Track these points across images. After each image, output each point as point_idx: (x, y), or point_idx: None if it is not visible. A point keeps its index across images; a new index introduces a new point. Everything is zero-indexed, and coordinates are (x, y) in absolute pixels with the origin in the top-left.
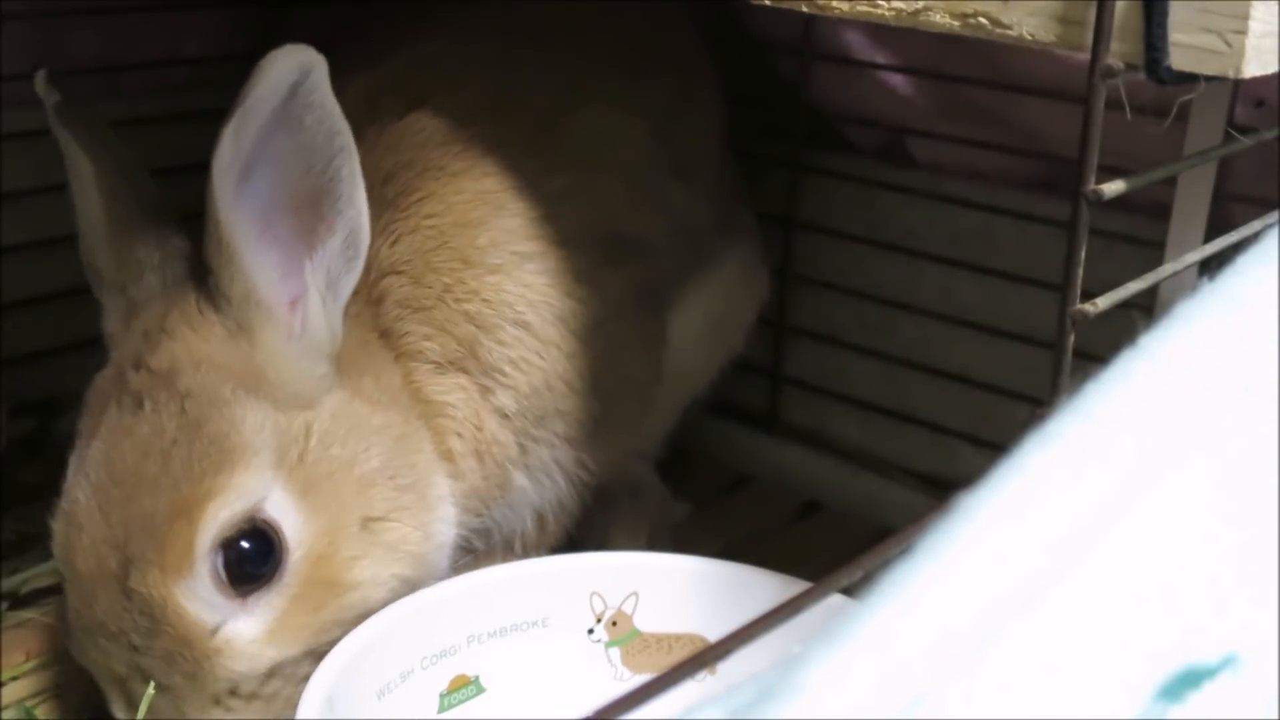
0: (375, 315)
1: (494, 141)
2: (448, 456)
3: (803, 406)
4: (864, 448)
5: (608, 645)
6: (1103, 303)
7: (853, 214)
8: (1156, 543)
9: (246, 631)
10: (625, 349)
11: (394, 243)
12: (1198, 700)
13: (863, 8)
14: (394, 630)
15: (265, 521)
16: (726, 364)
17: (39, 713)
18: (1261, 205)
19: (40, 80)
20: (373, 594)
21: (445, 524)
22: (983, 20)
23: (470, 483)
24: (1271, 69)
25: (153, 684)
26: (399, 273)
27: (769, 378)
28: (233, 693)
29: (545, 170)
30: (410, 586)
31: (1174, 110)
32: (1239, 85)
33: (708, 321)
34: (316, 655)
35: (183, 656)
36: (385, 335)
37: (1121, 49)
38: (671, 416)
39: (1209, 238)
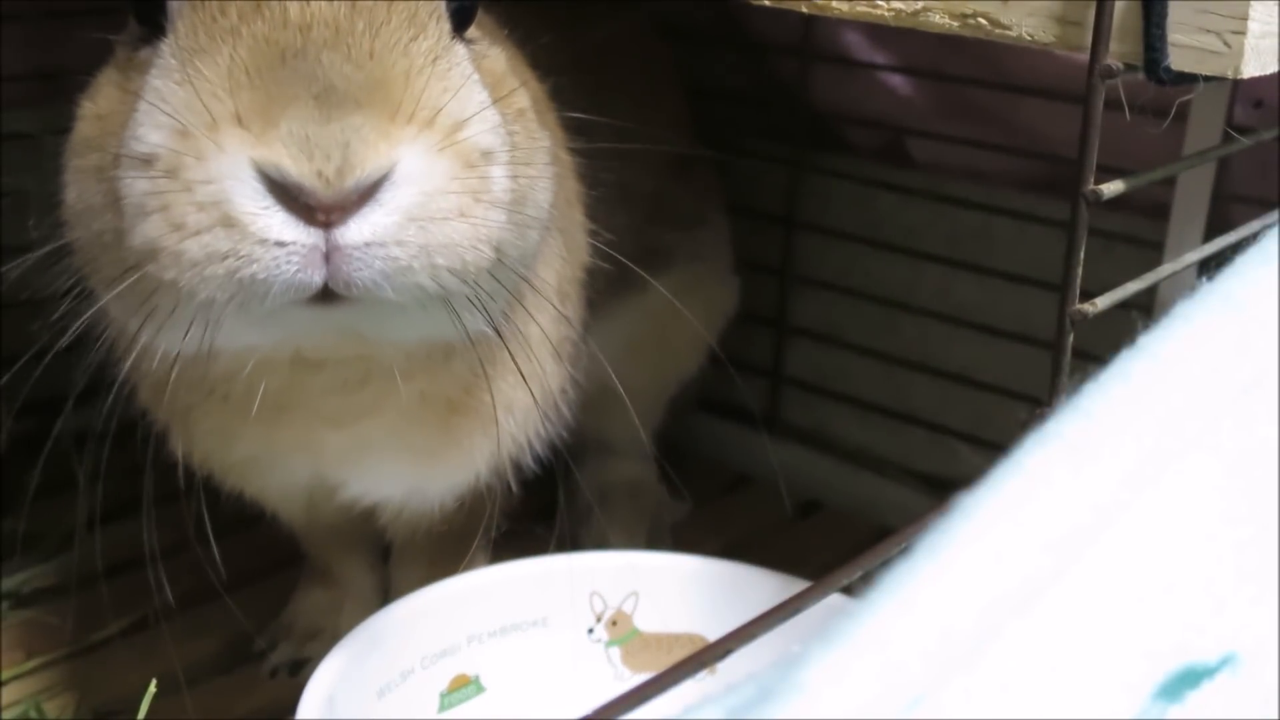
0: None
1: None
2: None
3: (803, 406)
4: (864, 448)
5: (608, 645)
6: (1102, 303)
7: (853, 214)
8: (1155, 542)
9: None
10: None
11: None
12: (1196, 700)
13: (862, 8)
14: (394, 630)
15: None
16: (687, 370)
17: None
18: (1260, 205)
19: None
20: None
21: None
22: (982, 20)
23: None
24: (1270, 69)
25: (153, 683)
26: None
27: (769, 378)
28: None
29: None
30: None
31: (1173, 110)
32: (1238, 85)
33: (644, 335)
34: None
35: None
36: None
37: (1121, 49)
38: (642, 416)
39: (1208, 238)
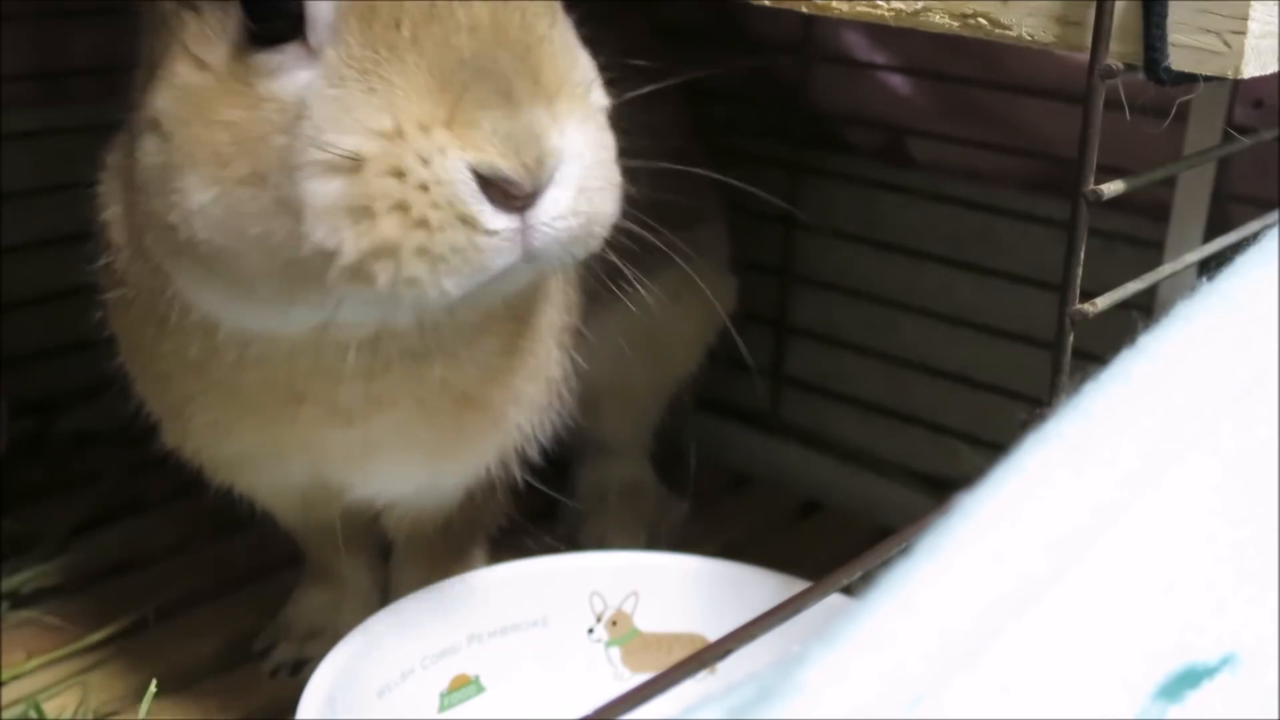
0: None
1: None
2: None
3: (803, 406)
4: (864, 448)
5: (608, 645)
6: (1102, 303)
7: (853, 214)
8: (1155, 542)
9: None
10: None
11: None
12: (1196, 699)
13: (862, 8)
14: (394, 630)
15: None
16: (685, 369)
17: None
18: (1260, 205)
19: None
20: None
21: None
22: (982, 20)
23: None
24: (1270, 69)
25: (153, 684)
26: None
27: (769, 378)
28: None
29: None
30: None
31: (1173, 110)
32: (1238, 85)
33: (643, 333)
34: None
35: None
36: None
37: (1121, 49)
38: (640, 415)
39: (1208, 238)
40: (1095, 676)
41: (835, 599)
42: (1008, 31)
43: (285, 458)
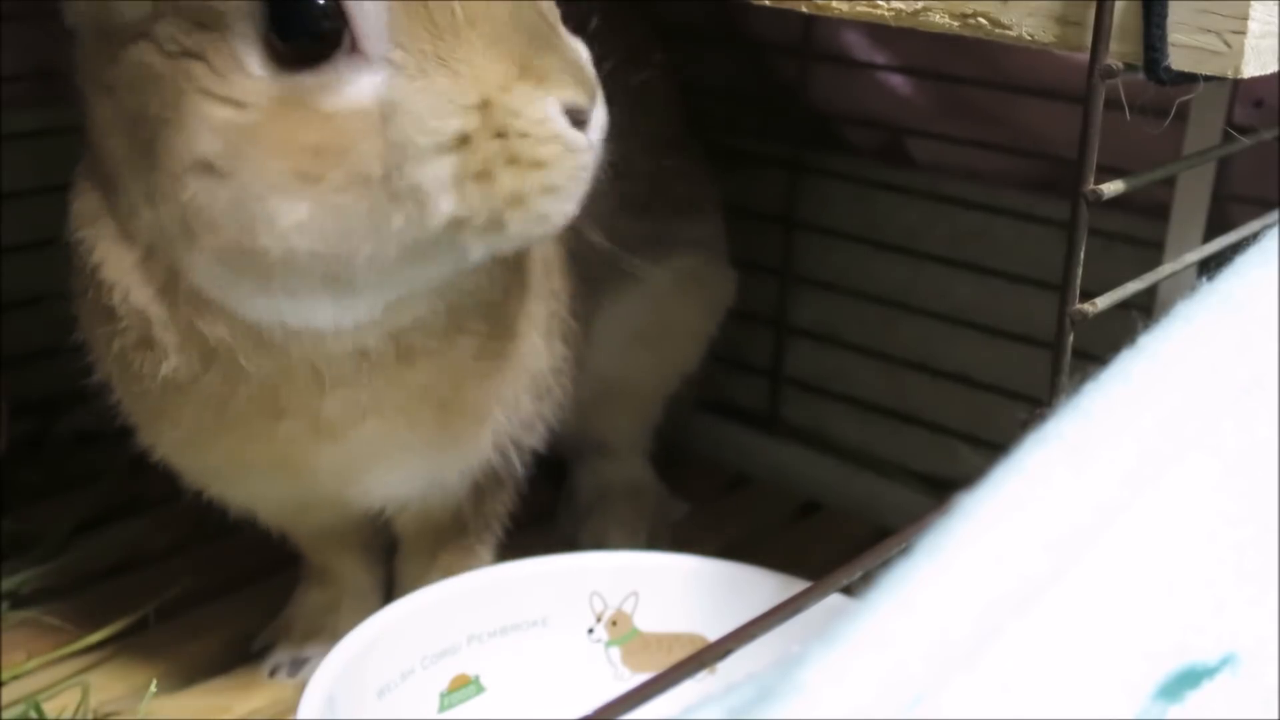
0: None
1: None
2: None
3: (803, 406)
4: (864, 448)
5: (608, 645)
6: (1102, 303)
7: (853, 214)
8: (1155, 542)
9: None
10: None
11: None
12: (1196, 700)
13: (862, 8)
14: (394, 630)
15: None
16: (688, 363)
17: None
18: (1260, 205)
19: None
20: None
21: None
22: (982, 20)
23: None
24: (1270, 69)
25: (153, 684)
26: None
27: (769, 378)
28: None
29: None
30: None
31: (1173, 110)
32: (1238, 85)
33: (646, 325)
34: None
35: None
36: None
37: (1121, 49)
38: (641, 413)
39: (1208, 238)
40: (1095, 676)
41: (835, 599)
42: (1008, 31)
43: (257, 471)
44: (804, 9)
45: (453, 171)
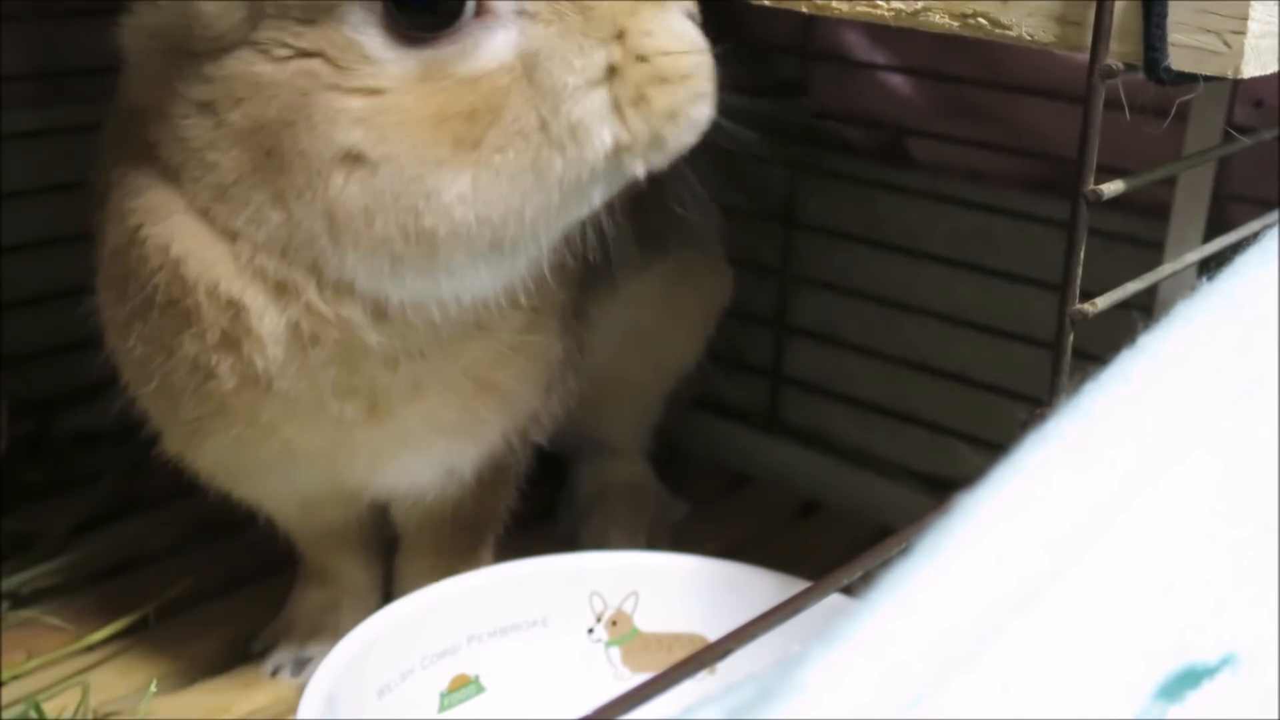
0: None
1: None
2: None
3: (803, 406)
4: (864, 448)
5: (608, 645)
6: (1102, 303)
7: (853, 214)
8: (1155, 542)
9: None
10: None
11: None
12: (1196, 700)
13: (862, 8)
14: (394, 630)
15: None
16: (686, 362)
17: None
18: (1260, 205)
19: None
20: None
21: None
22: (982, 20)
23: None
24: (1270, 69)
25: (153, 684)
26: None
27: (769, 378)
28: None
29: None
30: None
31: (1173, 110)
32: (1238, 85)
33: (644, 324)
34: None
35: None
36: None
37: (1121, 49)
38: (640, 412)
39: (1208, 238)
40: (1095, 676)
41: (835, 599)
42: (1008, 31)
43: (305, 463)
44: (804, 9)
45: (608, 102)
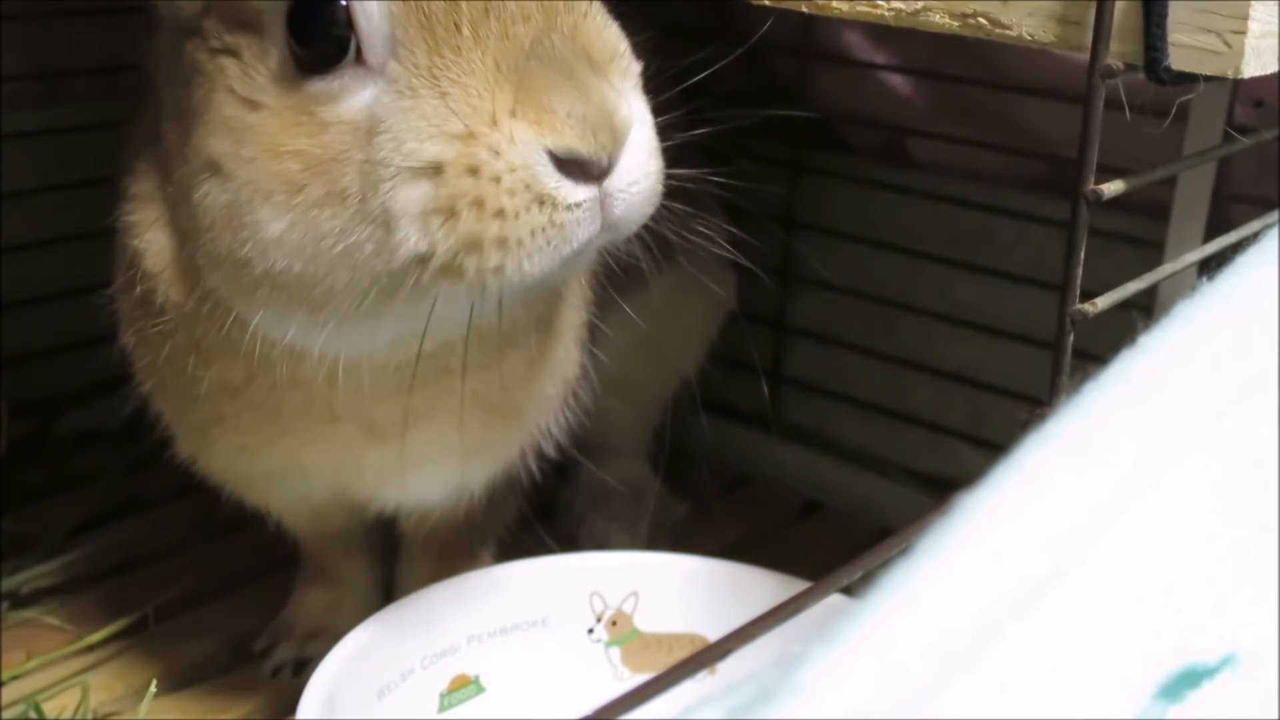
0: None
1: None
2: None
3: (803, 406)
4: (864, 448)
5: (608, 645)
6: (1102, 303)
7: (853, 214)
8: (1156, 542)
9: None
10: None
11: None
12: (1197, 700)
13: (862, 8)
14: (394, 630)
15: None
16: (687, 365)
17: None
18: (1261, 205)
19: None
20: None
21: None
22: (982, 20)
23: None
24: (1270, 69)
25: (153, 684)
26: None
27: (769, 378)
28: None
29: None
30: None
31: (1173, 110)
32: (1238, 85)
33: (646, 328)
34: None
35: None
36: None
37: (1121, 49)
38: (641, 413)
39: (1208, 238)
40: (1095, 677)
41: (835, 599)
42: (1008, 31)
43: (312, 475)
44: (804, 9)
45: (422, 202)
